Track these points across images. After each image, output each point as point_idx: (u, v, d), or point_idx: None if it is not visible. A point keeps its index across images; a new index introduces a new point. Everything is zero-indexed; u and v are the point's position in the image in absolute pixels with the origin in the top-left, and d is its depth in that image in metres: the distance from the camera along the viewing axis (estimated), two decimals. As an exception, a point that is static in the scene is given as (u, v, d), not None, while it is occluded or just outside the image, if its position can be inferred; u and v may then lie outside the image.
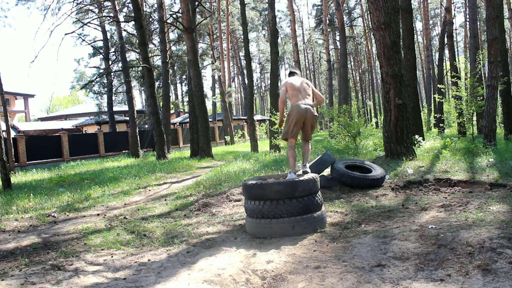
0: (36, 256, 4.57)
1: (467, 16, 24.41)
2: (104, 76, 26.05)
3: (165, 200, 7.79)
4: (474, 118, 13.14)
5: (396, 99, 8.51)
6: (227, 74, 36.27)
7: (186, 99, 38.28)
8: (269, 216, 4.52)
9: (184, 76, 36.04)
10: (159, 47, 23.46)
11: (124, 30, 26.27)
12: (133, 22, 21.72)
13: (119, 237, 5.13)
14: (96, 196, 8.84)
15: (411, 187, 6.53)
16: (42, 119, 43.01)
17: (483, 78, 18.46)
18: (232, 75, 48.30)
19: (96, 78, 27.17)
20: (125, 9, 28.48)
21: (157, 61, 29.17)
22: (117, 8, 23.83)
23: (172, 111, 36.63)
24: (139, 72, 28.94)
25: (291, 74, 5.57)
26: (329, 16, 35.01)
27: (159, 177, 11.43)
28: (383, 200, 5.84)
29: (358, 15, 44.16)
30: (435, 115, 21.85)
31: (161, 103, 24.34)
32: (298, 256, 3.77)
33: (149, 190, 9.37)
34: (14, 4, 53.31)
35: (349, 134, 12.73)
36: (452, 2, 28.43)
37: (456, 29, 42.56)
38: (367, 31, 40.93)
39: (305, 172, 5.08)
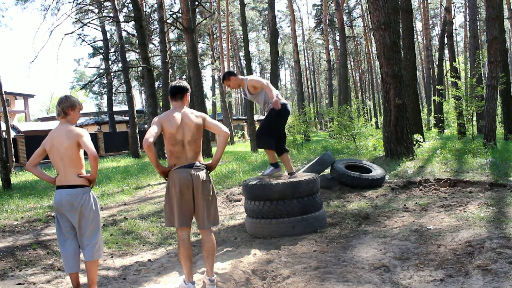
0: (35, 256, 4.57)
1: (467, 16, 24.41)
2: (104, 76, 26.06)
3: (165, 200, 7.77)
4: (474, 118, 13.13)
5: (396, 99, 8.51)
6: (227, 74, 36.12)
7: (186, 99, 38.16)
8: (269, 216, 4.52)
9: (184, 76, 36.02)
10: (159, 47, 23.40)
11: (124, 30, 26.25)
12: (133, 22, 21.70)
13: (119, 237, 5.13)
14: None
15: (411, 187, 6.53)
16: (42, 119, 43.00)
17: (483, 78, 18.46)
18: (232, 75, 48.14)
19: (96, 78, 27.18)
20: (125, 9, 28.43)
21: (157, 61, 29.14)
22: (117, 8, 23.80)
23: (172, 111, 36.46)
24: (139, 72, 28.92)
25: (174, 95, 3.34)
26: (329, 16, 34.97)
27: (159, 177, 11.42)
28: (383, 200, 5.83)
29: (358, 15, 44.07)
30: (435, 115, 21.86)
31: (161, 103, 24.34)
32: (298, 256, 3.76)
33: (149, 190, 9.36)
34: (13, 3, 53.16)
35: (349, 134, 12.72)
36: (452, 2, 28.41)
37: (456, 29, 42.60)
38: (367, 31, 40.91)
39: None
